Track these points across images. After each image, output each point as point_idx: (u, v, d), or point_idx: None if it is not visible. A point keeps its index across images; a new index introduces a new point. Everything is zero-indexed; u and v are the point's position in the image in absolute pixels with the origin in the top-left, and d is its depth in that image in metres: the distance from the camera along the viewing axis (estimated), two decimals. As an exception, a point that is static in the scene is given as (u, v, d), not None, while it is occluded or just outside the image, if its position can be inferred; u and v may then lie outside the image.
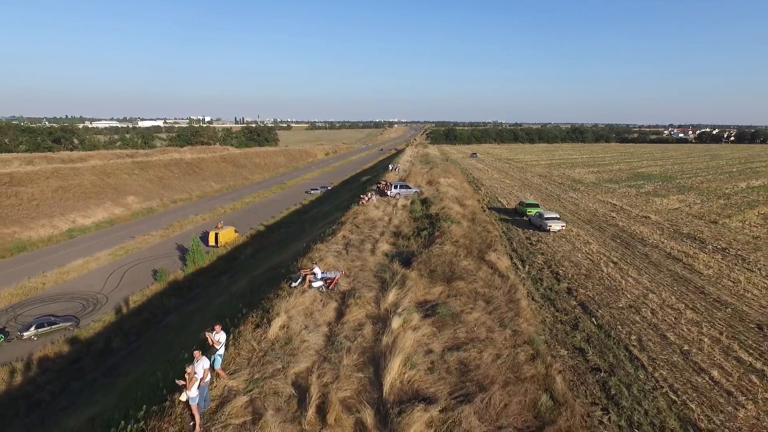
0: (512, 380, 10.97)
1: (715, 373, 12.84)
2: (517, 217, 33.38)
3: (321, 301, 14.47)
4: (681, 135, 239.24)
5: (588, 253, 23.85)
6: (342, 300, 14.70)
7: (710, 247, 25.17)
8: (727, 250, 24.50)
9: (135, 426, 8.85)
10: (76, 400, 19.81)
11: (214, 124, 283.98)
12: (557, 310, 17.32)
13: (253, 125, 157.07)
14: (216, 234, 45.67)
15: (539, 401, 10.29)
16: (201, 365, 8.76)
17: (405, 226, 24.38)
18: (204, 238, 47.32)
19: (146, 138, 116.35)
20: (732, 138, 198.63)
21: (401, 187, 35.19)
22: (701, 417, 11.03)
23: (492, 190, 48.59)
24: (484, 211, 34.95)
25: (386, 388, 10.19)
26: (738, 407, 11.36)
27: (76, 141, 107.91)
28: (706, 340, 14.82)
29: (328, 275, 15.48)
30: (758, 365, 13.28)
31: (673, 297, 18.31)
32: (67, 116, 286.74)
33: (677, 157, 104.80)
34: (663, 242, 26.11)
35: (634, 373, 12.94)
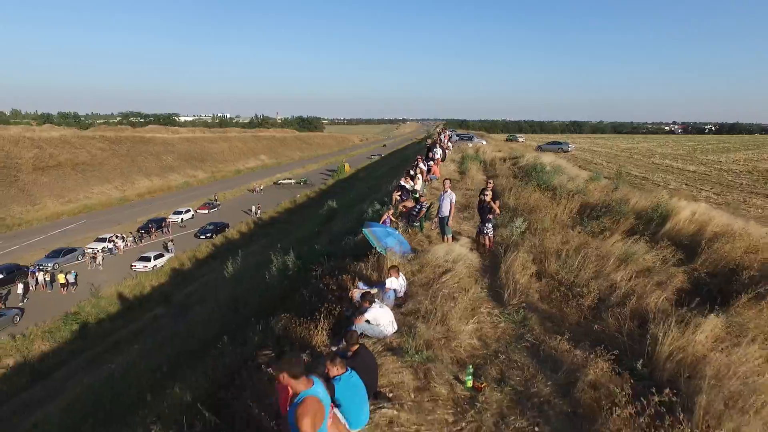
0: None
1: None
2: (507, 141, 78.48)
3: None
4: (680, 131, 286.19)
5: (528, 144, 68.87)
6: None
7: (584, 150, 70.21)
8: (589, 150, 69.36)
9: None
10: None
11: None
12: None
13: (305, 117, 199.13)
14: (344, 165, 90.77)
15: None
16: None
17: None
18: (334, 169, 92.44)
19: (224, 124, 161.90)
20: (709, 130, 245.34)
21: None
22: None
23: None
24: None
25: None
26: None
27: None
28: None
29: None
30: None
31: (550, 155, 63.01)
32: (92, 113, 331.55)
33: (634, 140, 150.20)
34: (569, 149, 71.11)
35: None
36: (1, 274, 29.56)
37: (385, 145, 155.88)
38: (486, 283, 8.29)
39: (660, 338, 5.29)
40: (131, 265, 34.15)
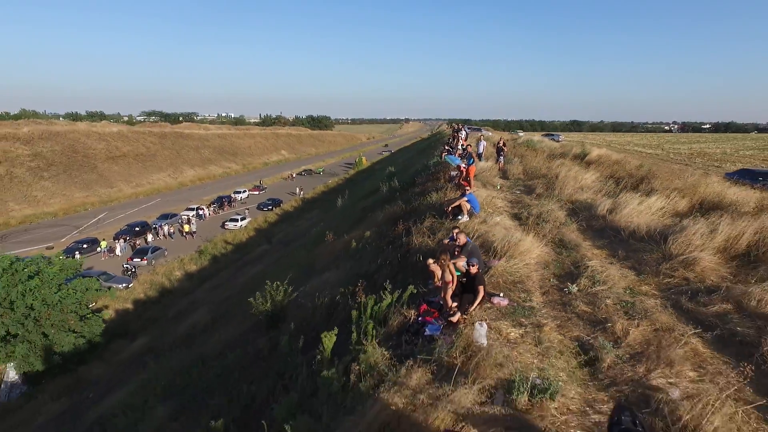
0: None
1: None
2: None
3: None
4: (678, 130, 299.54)
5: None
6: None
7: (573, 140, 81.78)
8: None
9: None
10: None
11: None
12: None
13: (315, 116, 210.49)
14: (362, 158, 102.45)
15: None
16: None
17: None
18: (352, 163, 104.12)
19: (238, 122, 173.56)
20: (707, 129, 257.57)
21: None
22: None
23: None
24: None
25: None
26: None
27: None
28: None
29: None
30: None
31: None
32: (100, 112, 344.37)
33: (623, 136, 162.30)
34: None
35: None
36: (137, 228, 41.12)
37: (386, 145, 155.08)
38: (500, 175, 19.87)
39: (561, 176, 16.87)
40: (223, 225, 45.63)
